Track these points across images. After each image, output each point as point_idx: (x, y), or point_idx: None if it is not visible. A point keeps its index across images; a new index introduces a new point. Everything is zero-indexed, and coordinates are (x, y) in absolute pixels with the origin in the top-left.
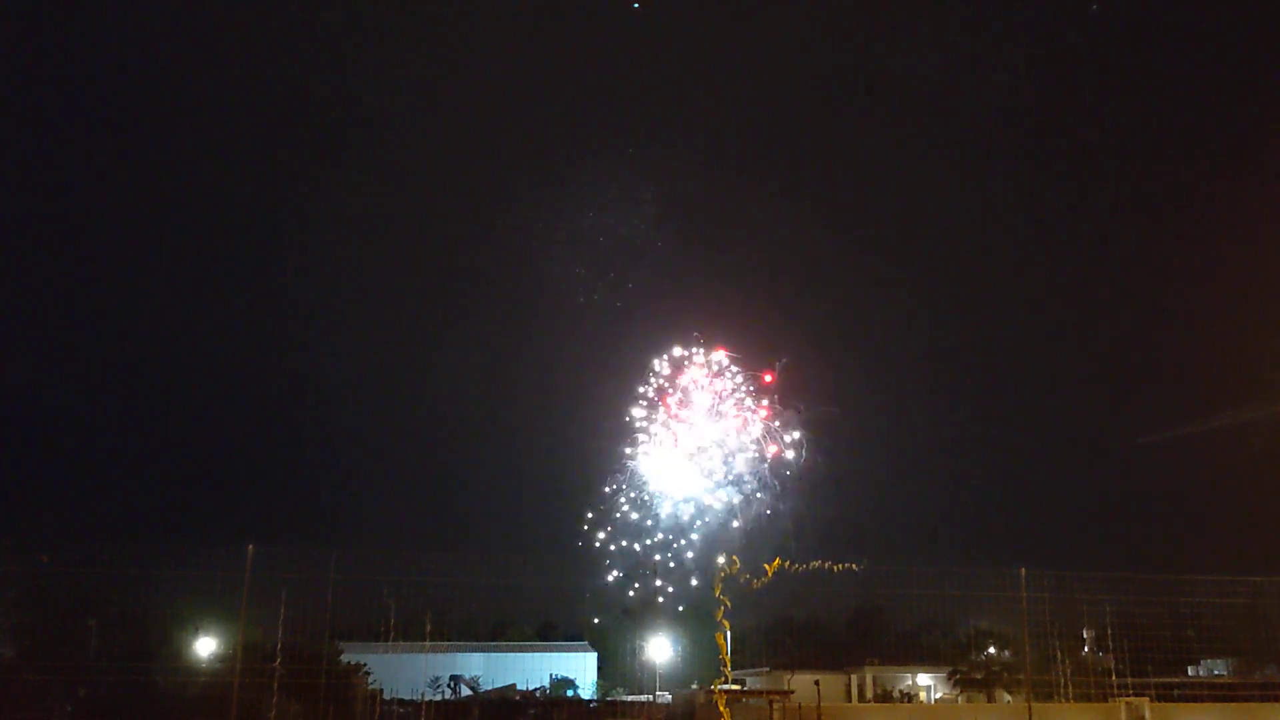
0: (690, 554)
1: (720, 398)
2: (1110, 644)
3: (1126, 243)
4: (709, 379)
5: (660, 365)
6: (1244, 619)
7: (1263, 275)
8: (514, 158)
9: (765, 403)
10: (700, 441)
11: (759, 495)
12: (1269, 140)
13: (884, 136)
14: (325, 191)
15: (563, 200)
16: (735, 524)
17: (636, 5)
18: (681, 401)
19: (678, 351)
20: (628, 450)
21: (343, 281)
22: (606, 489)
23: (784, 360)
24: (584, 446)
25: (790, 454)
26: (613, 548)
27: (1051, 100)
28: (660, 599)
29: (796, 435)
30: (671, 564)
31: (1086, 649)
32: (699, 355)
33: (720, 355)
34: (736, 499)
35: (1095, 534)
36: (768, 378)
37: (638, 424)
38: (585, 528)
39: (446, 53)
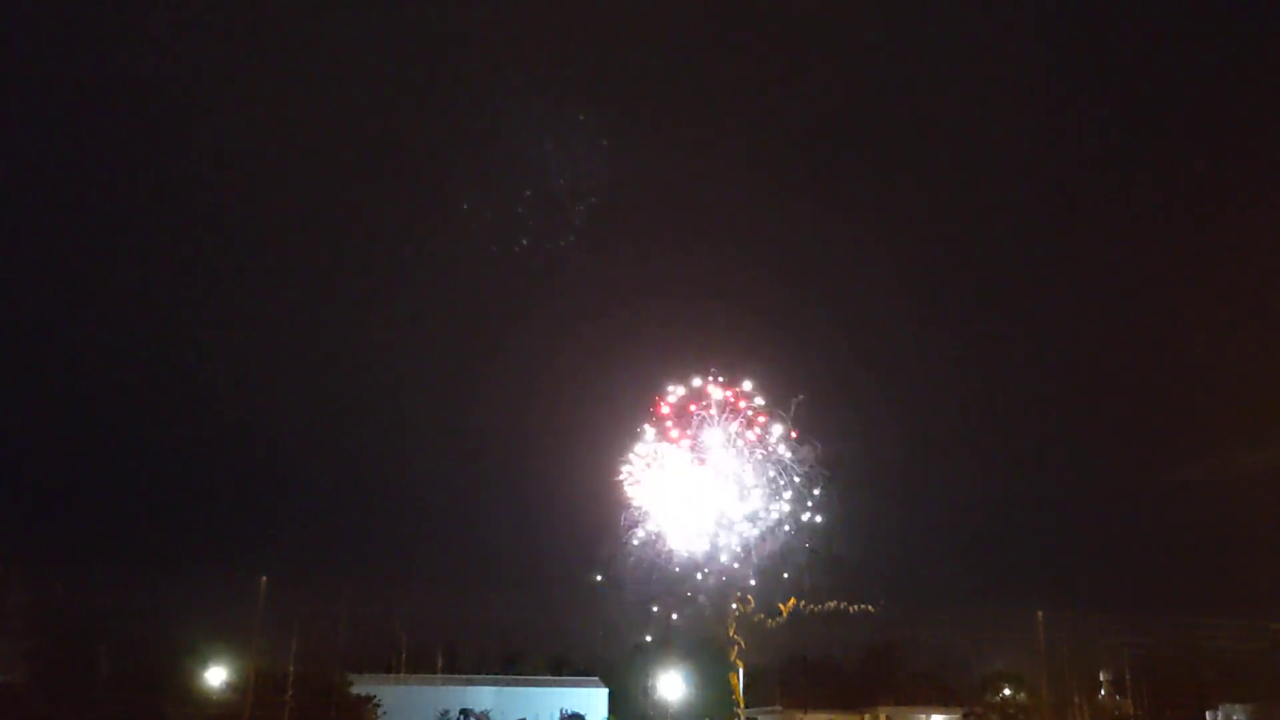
0: (704, 592)
1: (740, 432)
2: (1128, 687)
3: (1154, 284)
4: (725, 416)
5: (677, 398)
6: (1265, 664)
7: None
8: (513, 158)
9: (782, 440)
10: (717, 477)
11: (775, 532)
12: None
13: (912, 169)
14: (343, 214)
15: (573, 218)
16: (751, 561)
17: None
18: (697, 438)
19: (695, 384)
20: (642, 485)
21: (362, 316)
22: (622, 523)
23: (800, 398)
24: (600, 482)
25: (808, 492)
26: (626, 584)
27: (1089, 133)
28: (673, 636)
29: (813, 472)
30: (695, 597)
31: (1103, 692)
32: (716, 390)
33: (745, 384)
34: (753, 535)
35: (1116, 573)
36: (794, 435)
37: (654, 459)
38: (598, 574)
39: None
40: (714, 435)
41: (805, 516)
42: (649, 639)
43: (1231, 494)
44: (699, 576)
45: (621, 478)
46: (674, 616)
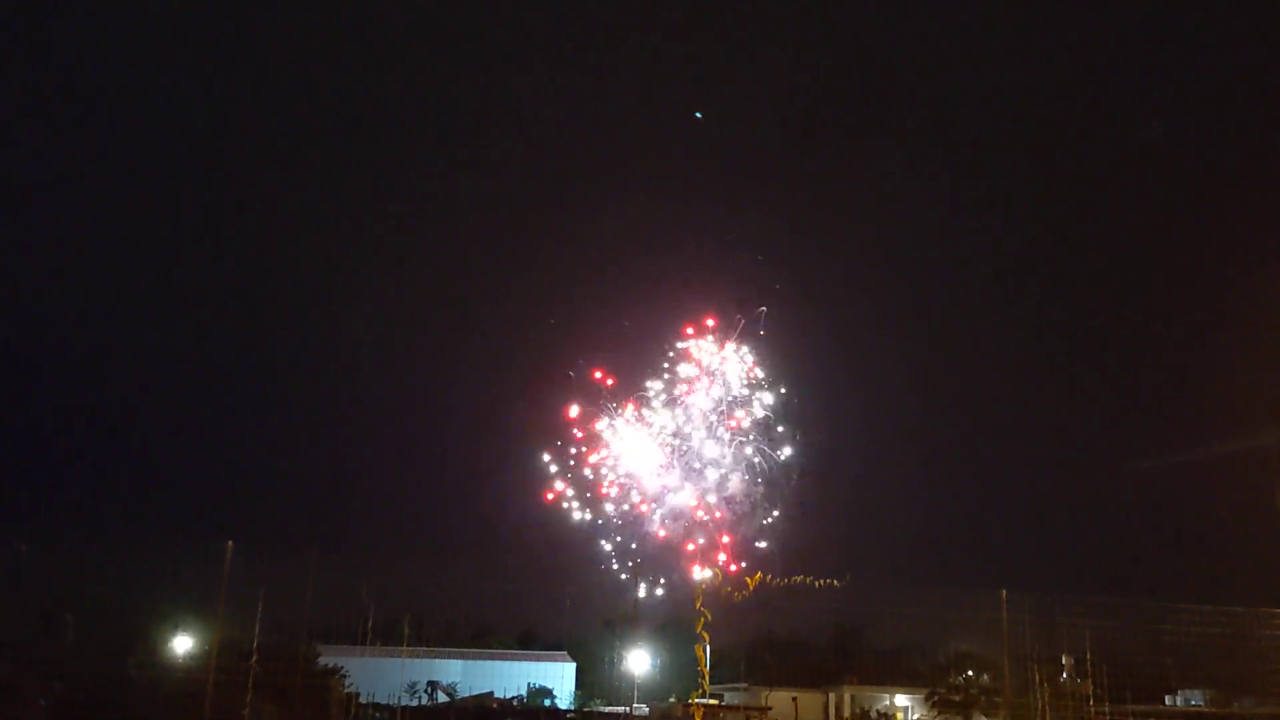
0: (675, 570)
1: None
2: (1090, 669)
3: (1120, 267)
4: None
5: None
6: (1224, 649)
7: (1258, 309)
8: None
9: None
10: (694, 459)
11: (746, 508)
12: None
13: (891, 165)
14: (325, 179)
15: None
16: (722, 539)
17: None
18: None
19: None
20: (615, 456)
21: (338, 276)
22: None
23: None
24: (573, 448)
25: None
26: (598, 560)
27: (1064, 130)
28: (642, 612)
29: (792, 460)
30: (665, 574)
31: (1065, 675)
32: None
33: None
34: (727, 515)
35: (1080, 557)
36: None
37: (628, 429)
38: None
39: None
40: (695, 415)
41: (775, 497)
42: (618, 614)
43: (1197, 482)
44: (670, 548)
45: (594, 447)
46: (642, 593)
